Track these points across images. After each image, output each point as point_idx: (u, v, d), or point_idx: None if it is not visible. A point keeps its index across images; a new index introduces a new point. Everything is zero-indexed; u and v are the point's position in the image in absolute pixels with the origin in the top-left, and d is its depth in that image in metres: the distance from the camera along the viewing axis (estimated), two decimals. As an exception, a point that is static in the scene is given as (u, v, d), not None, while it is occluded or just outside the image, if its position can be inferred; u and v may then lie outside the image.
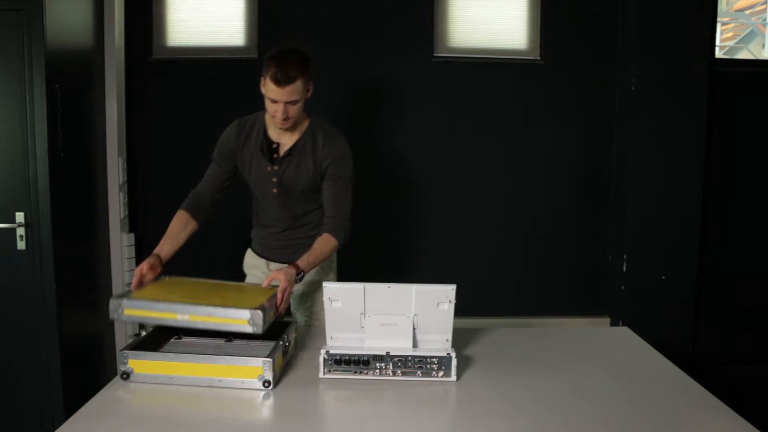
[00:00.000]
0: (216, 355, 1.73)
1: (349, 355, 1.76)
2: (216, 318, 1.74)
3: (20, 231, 2.59)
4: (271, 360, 1.69)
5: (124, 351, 1.75)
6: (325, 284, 1.79)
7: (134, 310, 1.79)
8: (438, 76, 3.12)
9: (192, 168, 3.13)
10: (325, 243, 2.14)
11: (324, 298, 1.78)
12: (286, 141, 2.19)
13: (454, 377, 1.75)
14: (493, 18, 3.14)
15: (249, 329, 1.73)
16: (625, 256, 3.05)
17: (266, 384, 1.70)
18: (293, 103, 2.05)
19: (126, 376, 1.74)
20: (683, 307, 3.06)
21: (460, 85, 3.13)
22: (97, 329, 2.93)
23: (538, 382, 1.76)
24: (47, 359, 2.60)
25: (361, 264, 3.14)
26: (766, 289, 3.24)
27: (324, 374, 1.76)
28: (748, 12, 3.86)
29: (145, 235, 3.08)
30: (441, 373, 1.76)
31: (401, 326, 1.78)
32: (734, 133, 3.18)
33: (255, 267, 2.42)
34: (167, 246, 2.15)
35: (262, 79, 2.05)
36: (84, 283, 2.84)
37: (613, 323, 3.14)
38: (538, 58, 3.14)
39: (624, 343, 2.14)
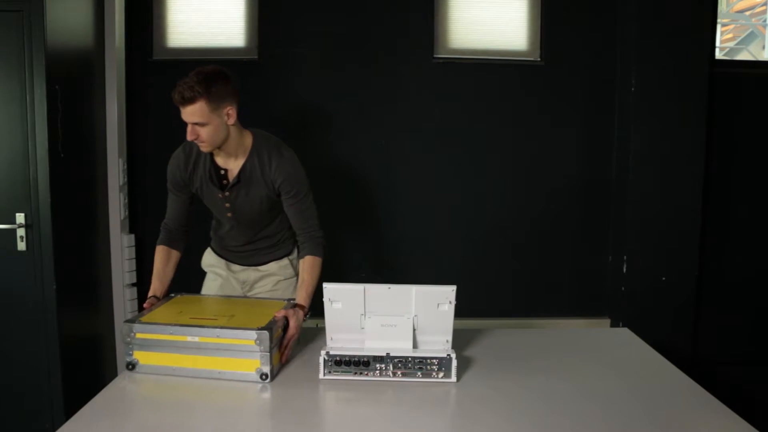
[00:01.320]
0: (216, 349, 1.77)
1: (350, 356, 1.76)
2: (224, 339, 1.77)
3: (20, 232, 2.59)
4: (268, 354, 1.72)
5: (130, 339, 1.81)
6: (325, 285, 1.79)
7: (146, 334, 1.82)
8: (438, 77, 3.12)
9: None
10: (312, 267, 2.13)
11: (324, 299, 1.79)
12: (232, 167, 2.15)
13: (454, 378, 1.75)
14: (493, 19, 3.14)
15: (256, 350, 1.76)
16: (625, 257, 3.05)
17: (263, 377, 1.73)
18: (200, 125, 2.00)
19: (132, 366, 1.80)
20: (683, 308, 3.06)
21: (460, 86, 3.13)
22: (97, 329, 2.93)
23: (538, 383, 1.77)
24: (47, 359, 2.60)
25: (361, 265, 3.15)
26: (766, 289, 3.24)
27: (324, 375, 1.76)
28: (748, 13, 3.86)
29: (145, 236, 3.08)
30: (441, 374, 1.76)
31: (401, 327, 1.78)
32: (734, 133, 3.18)
33: (214, 266, 2.43)
34: (159, 284, 2.16)
35: None
36: (84, 284, 2.84)
37: (613, 324, 3.14)
38: (538, 58, 3.14)
39: (624, 344, 2.14)
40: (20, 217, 2.59)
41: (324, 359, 1.76)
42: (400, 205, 3.16)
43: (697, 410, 1.63)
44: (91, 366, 2.86)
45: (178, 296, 2.17)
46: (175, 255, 2.24)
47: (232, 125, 2.08)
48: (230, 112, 2.06)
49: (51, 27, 2.51)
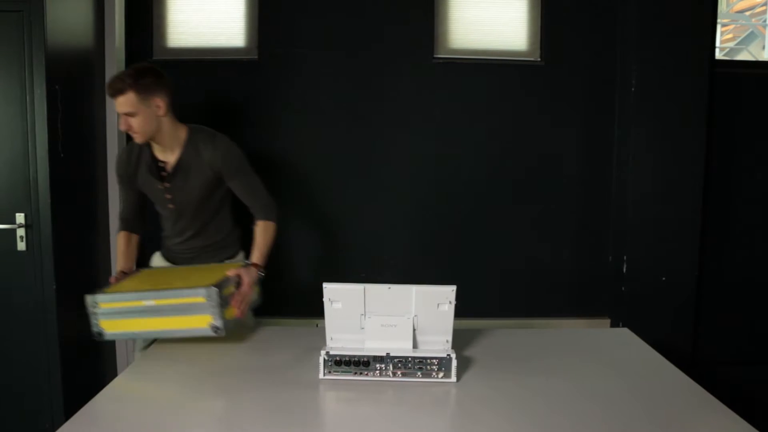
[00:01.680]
0: (171, 310, 1.93)
1: (349, 356, 1.76)
2: (177, 300, 1.92)
3: (20, 232, 2.59)
4: (218, 309, 1.88)
5: (95, 310, 2.01)
6: (325, 285, 1.79)
7: (108, 303, 2.00)
8: (438, 77, 3.12)
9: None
10: (265, 230, 2.33)
11: (324, 299, 1.79)
12: (170, 158, 2.31)
13: (454, 378, 1.76)
14: (493, 19, 3.14)
15: (207, 306, 1.92)
16: (625, 257, 3.05)
17: (216, 330, 1.89)
18: (130, 115, 2.17)
19: (99, 335, 2.02)
20: (683, 308, 3.06)
21: (460, 86, 3.13)
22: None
23: (538, 383, 1.77)
24: (47, 359, 2.60)
25: (361, 264, 3.15)
26: (767, 290, 3.24)
27: (324, 375, 1.76)
28: (748, 13, 3.86)
29: (145, 235, 3.07)
30: (441, 374, 1.76)
31: (401, 327, 1.79)
32: (734, 134, 3.18)
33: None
34: (124, 261, 2.38)
35: None
36: (84, 283, 2.82)
37: (613, 324, 3.14)
38: (538, 58, 3.14)
39: (624, 344, 2.15)
40: (20, 217, 2.59)
41: (324, 359, 1.76)
42: (399, 205, 3.16)
43: (697, 410, 1.63)
44: (91, 366, 2.86)
45: (145, 270, 2.36)
46: (136, 237, 2.45)
47: (164, 117, 2.25)
48: (160, 104, 2.23)
49: (51, 27, 2.51)
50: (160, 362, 1.95)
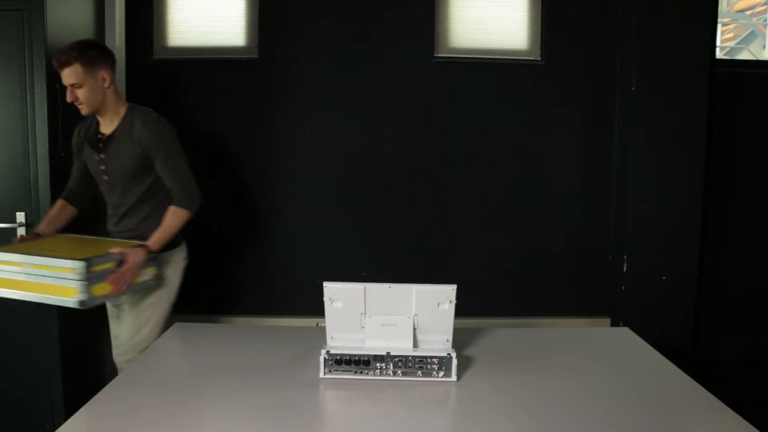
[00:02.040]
0: (47, 276, 2.00)
1: (350, 355, 1.76)
2: (51, 267, 1.99)
3: (21, 231, 2.59)
4: (85, 283, 1.95)
5: None
6: (326, 284, 1.79)
7: None
8: (438, 77, 3.12)
9: (192, 167, 3.12)
10: (172, 215, 2.35)
11: (324, 298, 1.79)
12: (108, 130, 2.40)
13: (454, 377, 1.76)
14: (493, 18, 3.13)
15: (73, 279, 1.98)
16: (625, 257, 3.05)
17: (81, 304, 1.97)
18: (76, 86, 2.28)
19: None
20: (683, 308, 3.06)
21: (460, 85, 3.13)
22: (97, 329, 2.93)
23: (538, 383, 1.77)
24: (47, 359, 2.60)
25: (361, 263, 3.15)
26: (766, 289, 3.24)
27: (324, 374, 1.76)
28: (748, 13, 3.86)
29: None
30: (441, 374, 1.76)
31: (402, 326, 1.79)
32: (735, 133, 3.18)
33: None
34: (44, 226, 2.42)
35: None
36: (84, 283, 2.83)
37: (614, 323, 3.14)
38: (539, 58, 3.14)
39: (624, 344, 2.14)
40: (20, 216, 2.59)
41: (324, 358, 1.76)
42: (400, 204, 3.16)
43: (697, 409, 1.63)
44: (91, 366, 2.86)
45: (61, 235, 2.41)
46: (71, 209, 2.50)
47: (109, 90, 2.35)
48: (105, 76, 2.33)
49: (51, 26, 2.51)
50: (160, 361, 1.95)
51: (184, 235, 2.53)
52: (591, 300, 3.23)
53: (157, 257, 2.35)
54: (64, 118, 2.58)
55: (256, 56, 3.08)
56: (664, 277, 3.03)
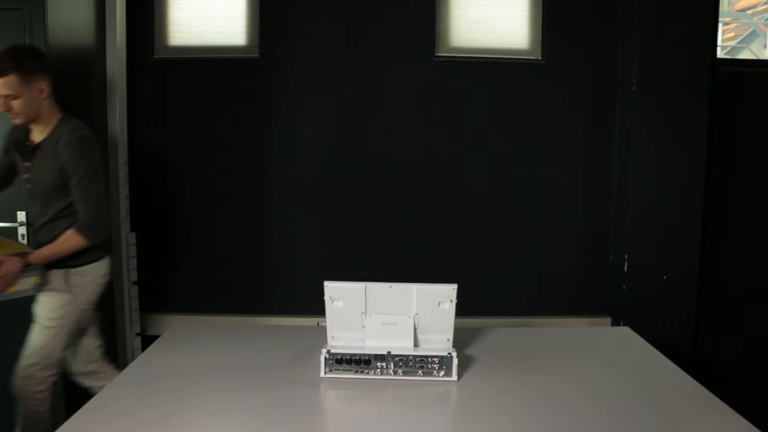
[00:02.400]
0: None
1: (350, 355, 1.76)
2: None
3: (21, 230, 2.59)
4: None
5: None
6: (326, 283, 1.79)
7: None
8: (439, 76, 3.12)
9: (193, 166, 3.13)
10: (67, 237, 2.24)
11: (325, 297, 1.79)
12: (37, 139, 2.30)
13: (455, 377, 1.76)
14: (494, 18, 3.13)
15: None
16: (626, 256, 3.05)
17: None
18: (12, 97, 2.17)
19: None
20: (684, 307, 3.06)
21: (461, 85, 3.13)
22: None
23: (539, 382, 1.77)
24: (48, 359, 2.59)
25: (362, 263, 3.15)
26: (766, 289, 3.24)
27: (325, 374, 1.76)
28: (749, 12, 3.86)
29: (147, 233, 3.08)
30: (442, 373, 1.76)
31: (402, 326, 1.79)
32: (736, 133, 3.18)
33: None
34: None
35: None
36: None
37: (614, 323, 3.14)
38: (539, 57, 3.13)
39: (625, 343, 2.15)
40: (21, 216, 2.59)
41: (325, 357, 1.76)
42: (400, 204, 3.16)
43: (698, 408, 1.63)
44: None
45: None
46: None
47: (45, 101, 2.24)
48: (43, 87, 2.22)
49: (52, 25, 2.51)
50: (160, 361, 1.95)
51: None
52: (592, 299, 3.23)
53: (40, 269, 2.26)
54: (64, 117, 2.58)
55: (257, 56, 3.08)
56: (664, 277, 3.03)
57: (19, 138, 2.34)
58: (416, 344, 1.80)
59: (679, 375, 1.83)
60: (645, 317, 3.00)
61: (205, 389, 1.71)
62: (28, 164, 2.31)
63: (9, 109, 2.19)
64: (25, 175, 2.33)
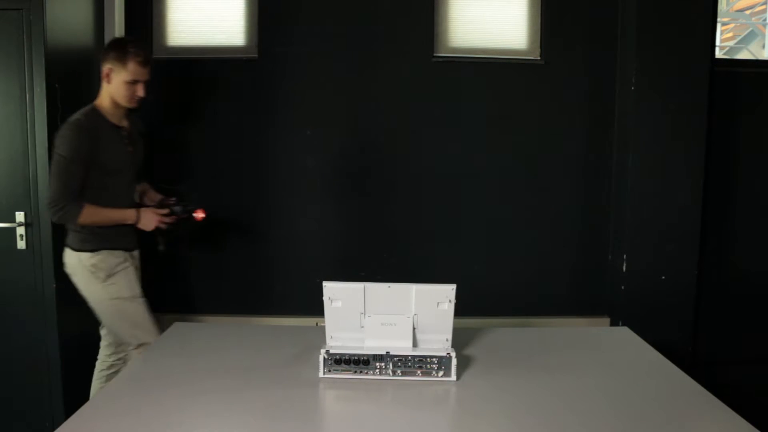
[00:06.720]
0: None
1: (349, 355, 1.76)
2: None
3: (20, 230, 2.59)
4: None
5: None
6: (325, 284, 1.79)
7: None
8: (438, 76, 3.12)
9: (192, 166, 3.13)
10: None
11: (324, 298, 1.79)
12: (124, 123, 2.52)
13: (454, 377, 1.76)
14: (493, 18, 3.13)
15: None
16: (625, 256, 3.05)
17: None
18: (146, 82, 2.45)
19: None
20: (683, 307, 3.06)
21: (460, 85, 3.13)
22: (97, 329, 2.93)
23: (537, 382, 1.77)
24: (47, 359, 2.60)
25: (361, 263, 3.15)
26: (766, 289, 3.24)
27: (324, 374, 1.76)
28: (748, 12, 3.86)
29: (147, 233, 3.07)
30: (441, 373, 1.76)
31: (401, 326, 1.79)
32: (734, 133, 3.18)
33: (122, 262, 2.51)
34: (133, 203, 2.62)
35: (115, 65, 2.40)
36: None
37: (613, 323, 3.14)
38: (538, 58, 3.13)
39: (624, 343, 2.15)
40: (20, 216, 2.59)
41: (324, 358, 1.76)
42: (399, 204, 3.16)
43: (697, 409, 1.63)
44: (91, 365, 2.86)
45: None
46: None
47: None
48: None
49: (51, 25, 2.51)
50: (160, 361, 1.95)
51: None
52: (590, 300, 3.23)
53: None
54: (64, 117, 2.58)
55: (256, 56, 3.08)
56: (663, 277, 3.03)
57: (112, 132, 2.45)
58: (415, 344, 1.80)
59: (678, 375, 1.83)
60: (644, 317, 2.99)
61: (204, 389, 1.71)
62: (131, 149, 2.52)
63: (143, 96, 2.45)
64: (131, 159, 2.53)
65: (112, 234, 2.46)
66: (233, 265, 3.17)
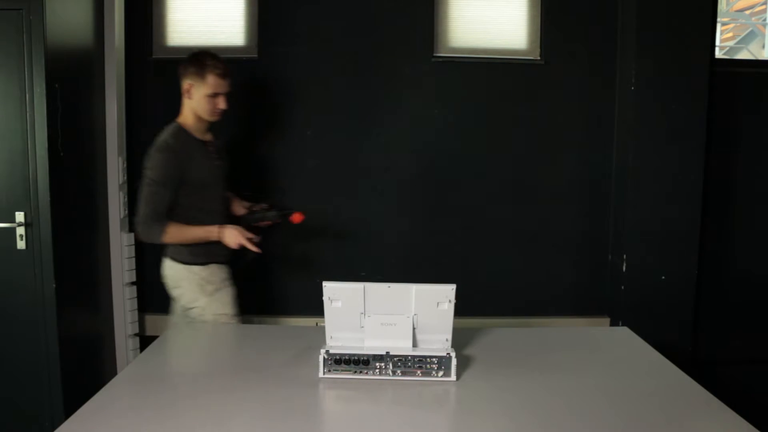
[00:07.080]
0: None
1: (349, 355, 1.76)
2: None
3: (20, 230, 2.59)
4: None
5: None
6: (325, 284, 1.79)
7: None
8: (438, 76, 3.12)
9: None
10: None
11: (324, 298, 1.79)
12: (208, 137, 2.53)
13: (453, 377, 1.76)
14: (493, 18, 3.13)
15: None
16: (624, 256, 3.05)
17: None
18: (226, 95, 2.44)
19: None
20: (683, 307, 3.06)
21: (460, 85, 3.13)
22: (96, 329, 2.93)
23: (537, 382, 1.77)
24: (47, 359, 2.59)
25: (361, 263, 3.15)
26: (766, 289, 3.24)
27: (324, 374, 1.76)
28: (748, 12, 3.86)
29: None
30: (441, 373, 1.76)
31: (401, 326, 1.79)
32: (734, 133, 3.18)
33: (227, 278, 2.57)
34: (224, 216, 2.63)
35: (195, 79, 2.40)
36: (83, 282, 2.84)
37: (613, 323, 3.14)
38: (538, 58, 3.14)
39: (624, 343, 2.15)
40: (20, 216, 2.58)
41: (323, 358, 1.76)
42: (399, 204, 3.16)
43: (697, 409, 1.63)
44: (90, 365, 2.86)
45: None
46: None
47: None
48: None
49: (50, 26, 2.50)
50: (160, 361, 1.95)
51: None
52: (590, 300, 3.23)
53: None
54: (64, 117, 2.58)
55: (256, 56, 3.08)
56: (663, 277, 3.03)
57: (199, 147, 2.45)
58: (415, 344, 1.80)
59: (678, 375, 1.83)
60: (644, 317, 3.00)
61: (204, 389, 1.71)
62: (218, 163, 2.54)
63: (225, 108, 2.44)
64: (220, 172, 2.55)
65: (218, 248, 2.46)
66: (233, 265, 3.16)
